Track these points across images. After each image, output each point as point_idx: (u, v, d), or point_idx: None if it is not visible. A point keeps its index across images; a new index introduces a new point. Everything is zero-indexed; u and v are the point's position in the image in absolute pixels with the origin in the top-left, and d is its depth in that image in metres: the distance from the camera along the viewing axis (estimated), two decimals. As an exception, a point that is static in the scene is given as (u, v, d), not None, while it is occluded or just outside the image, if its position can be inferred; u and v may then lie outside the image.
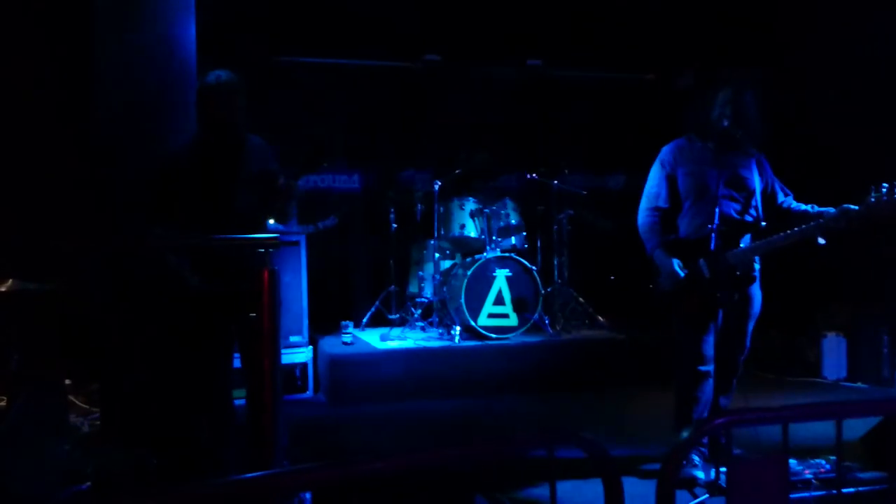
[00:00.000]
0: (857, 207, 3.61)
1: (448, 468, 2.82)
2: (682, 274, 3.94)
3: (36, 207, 5.23)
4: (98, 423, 4.73)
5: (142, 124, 4.36)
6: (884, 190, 3.55)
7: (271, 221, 3.92)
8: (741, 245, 3.93)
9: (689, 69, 8.26)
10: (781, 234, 3.78)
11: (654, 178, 4.18)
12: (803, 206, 4.00)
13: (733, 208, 3.98)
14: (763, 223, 3.99)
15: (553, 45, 8.12)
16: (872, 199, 3.57)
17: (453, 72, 8.15)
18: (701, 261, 3.91)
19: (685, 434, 2.10)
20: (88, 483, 3.71)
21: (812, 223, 3.72)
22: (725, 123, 3.88)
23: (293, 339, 6.28)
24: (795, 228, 3.76)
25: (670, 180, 4.11)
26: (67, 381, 4.93)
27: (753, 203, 4.01)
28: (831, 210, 3.73)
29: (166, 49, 4.51)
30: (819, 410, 2.40)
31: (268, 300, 2.63)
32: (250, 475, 1.41)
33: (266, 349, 2.55)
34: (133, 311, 4.16)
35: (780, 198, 4.10)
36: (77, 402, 5.12)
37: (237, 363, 3.84)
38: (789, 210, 4.04)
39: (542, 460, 2.09)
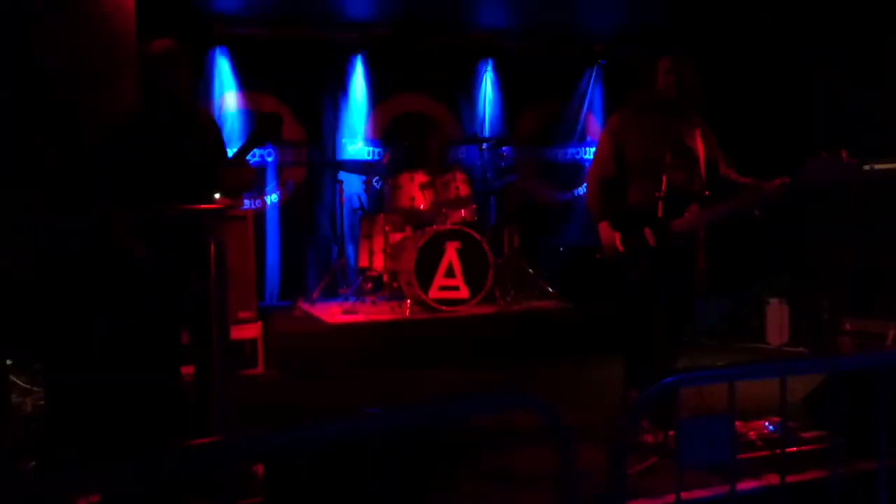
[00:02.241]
0: (792, 179, 3.70)
1: (399, 438, 2.83)
2: (621, 250, 3.99)
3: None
4: (41, 402, 4.63)
5: (81, 94, 4.24)
6: (822, 159, 3.64)
7: (217, 196, 3.85)
8: (686, 213, 3.99)
9: (636, 41, 8.32)
10: (724, 203, 3.86)
11: (603, 147, 4.20)
12: (743, 179, 4.08)
13: (679, 177, 4.03)
14: (707, 192, 4.06)
15: (502, 18, 8.10)
16: (811, 168, 3.65)
17: (402, 44, 8.07)
18: (647, 229, 3.96)
19: (633, 396, 2.13)
20: (33, 463, 3.64)
21: (750, 194, 3.81)
22: (670, 93, 3.92)
23: (242, 314, 6.21)
24: (738, 199, 3.84)
25: (618, 149, 4.14)
26: (9, 361, 4.80)
27: (698, 172, 4.07)
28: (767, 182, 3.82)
29: (105, 19, 4.38)
30: (764, 368, 2.45)
31: (215, 271, 2.58)
32: (198, 441, 1.38)
33: (214, 320, 2.50)
34: (77, 286, 4.06)
35: (722, 169, 4.17)
36: (18, 381, 4.99)
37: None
38: (728, 180, 4.11)
39: (496, 427, 2.10)
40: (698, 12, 7.14)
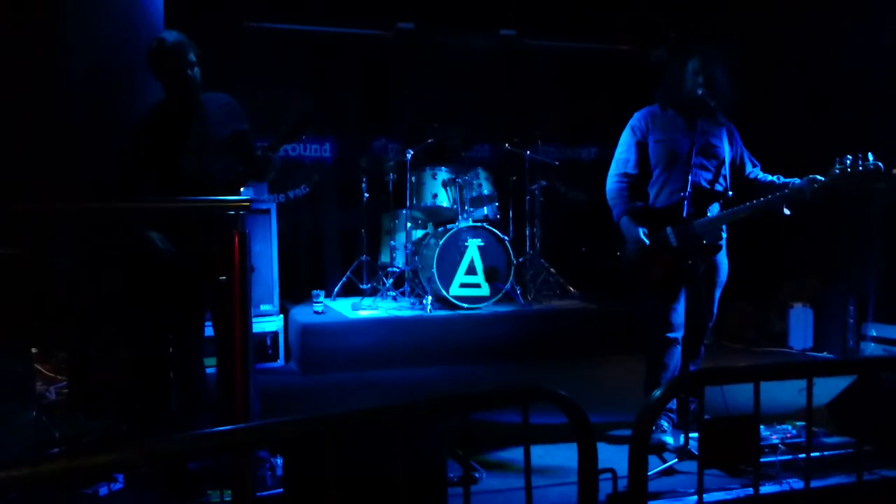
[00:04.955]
0: (822, 178, 3.66)
1: (418, 434, 2.82)
2: (647, 242, 3.95)
3: (2, 171, 5.11)
4: (65, 391, 4.68)
5: (110, 89, 4.27)
6: (847, 161, 3.59)
7: (241, 188, 3.86)
8: (709, 214, 3.96)
9: (665, 41, 8.26)
10: (748, 203, 3.82)
11: (625, 144, 4.18)
12: (770, 177, 4.03)
13: (703, 177, 4.00)
14: (730, 193, 4.02)
15: (527, 15, 8.07)
16: (837, 171, 3.61)
17: (426, 40, 8.06)
18: (668, 228, 3.93)
19: (656, 394, 2.11)
20: (56, 450, 3.67)
21: (777, 193, 3.78)
22: (699, 92, 3.88)
23: (264, 307, 6.24)
24: (762, 199, 3.81)
25: (640, 147, 4.12)
26: (34, 350, 4.86)
27: (723, 172, 4.03)
28: (797, 181, 3.77)
29: (134, 15, 4.42)
30: (790, 369, 2.43)
31: (238, 262, 2.59)
32: (221, 428, 1.39)
33: (237, 311, 2.51)
34: (102, 277, 4.09)
35: (748, 168, 4.12)
36: (43, 370, 5.05)
37: (209, 332, 3.81)
38: (755, 181, 4.07)
39: (516, 424, 2.09)
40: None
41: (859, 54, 6.21)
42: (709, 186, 4.00)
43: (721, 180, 4.03)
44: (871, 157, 3.56)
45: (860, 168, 3.57)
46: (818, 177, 3.68)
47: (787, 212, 3.77)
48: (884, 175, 3.56)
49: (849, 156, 3.61)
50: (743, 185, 4.07)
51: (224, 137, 3.65)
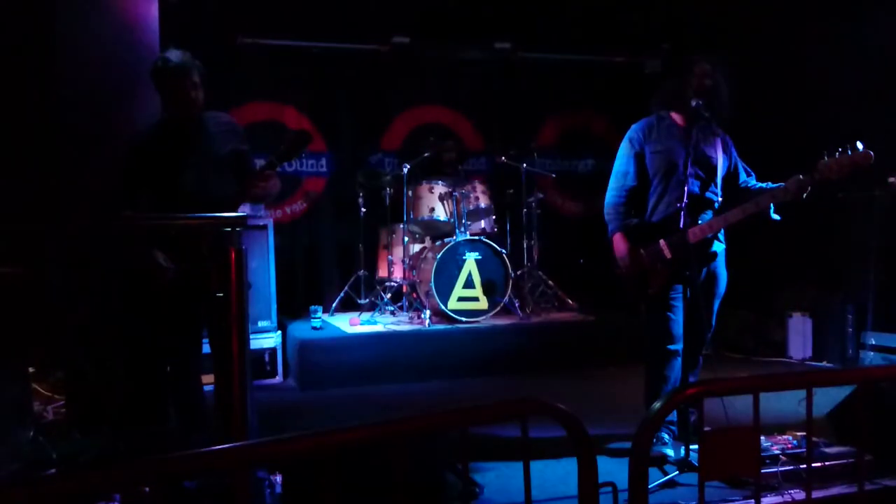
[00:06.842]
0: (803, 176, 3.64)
1: (418, 449, 2.81)
2: (630, 264, 3.97)
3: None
4: (63, 410, 4.66)
5: (106, 105, 4.28)
6: (838, 152, 3.55)
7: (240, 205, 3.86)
8: (700, 221, 3.95)
9: (659, 52, 8.30)
10: (737, 208, 3.81)
11: (623, 157, 4.19)
12: (762, 185, 4.03)
13: (696, 186, 4.00)
14: (720, 199, 4.01)
15: (522, 28, 8.11)
16: (826, 159, 3.56)
17: (422, 54, 8.09)
18: (661, 241, 3.93)
19: (657, 406, 2.10)
20: (53, 470, 3.65)
21: (763, 194, 3.77)
22: (694, 103, 3.88)
23: (262, 324, 6.22)
24: (750, 202, 3.78)
25: (638, 158, 4.12)
26: (31, 369, 4.84)
27: (715, 181, 4.03)
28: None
29: (129, 30, 4.43)
30: (790, 380, 2.42)
31: (235, 279, 2.58)
32: (220, 447, 1.38)
33: (234, 328, 2.51)
34: (99, 295, 4.08)
35: (743, 177, 4.12)
36: (41, 389, 5.03)
37: (206, 349, 3.79)
38: (748, 190, 4.06)
39: (515, 439, 2.08)
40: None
41: (853, 59, 6.23)
42: (700, 194, 3.99)
43: (713, 187, 4.02)
44: (859, 144, 3.50)
45: (849, 153, 3.51)
46: (802, 175, 3.65)
47: (776, 217, 3.75)
48: (873, 160, 3.50)
49: (839, 147, 3.56)
50: (737, 194, 4.06)
51: (223, 156, 3.65)
